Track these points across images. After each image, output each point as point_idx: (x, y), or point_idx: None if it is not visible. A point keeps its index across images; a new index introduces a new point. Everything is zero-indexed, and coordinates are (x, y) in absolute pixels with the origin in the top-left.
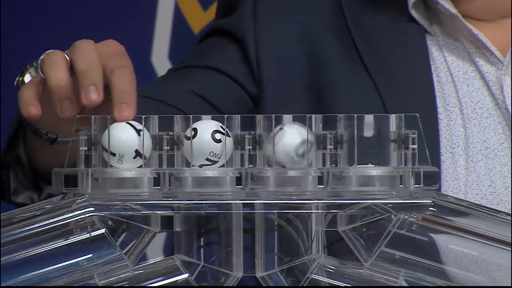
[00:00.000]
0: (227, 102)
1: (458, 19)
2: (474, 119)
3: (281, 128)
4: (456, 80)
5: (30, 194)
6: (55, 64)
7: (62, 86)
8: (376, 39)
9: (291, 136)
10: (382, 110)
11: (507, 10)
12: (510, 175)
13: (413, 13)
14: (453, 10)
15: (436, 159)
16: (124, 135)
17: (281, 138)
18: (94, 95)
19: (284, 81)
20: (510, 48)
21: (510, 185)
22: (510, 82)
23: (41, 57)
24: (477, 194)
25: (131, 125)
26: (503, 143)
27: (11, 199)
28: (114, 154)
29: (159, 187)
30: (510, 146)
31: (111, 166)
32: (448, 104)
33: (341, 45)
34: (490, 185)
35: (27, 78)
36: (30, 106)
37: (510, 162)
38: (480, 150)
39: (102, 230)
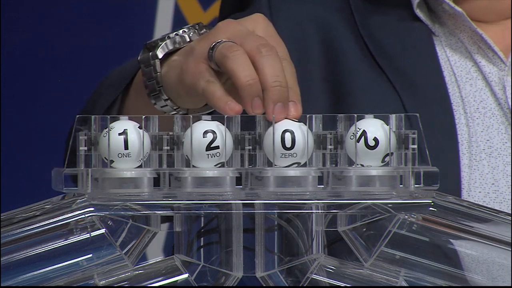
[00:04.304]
0: None
1: (462, 18)
2: (477, 118)
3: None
4: (459, 79)
5: None
6: (242, 62)
7: (253, 84)
8: (382, 38)
9: (278, 129)
10: (401, 108)
11: (509, 11)
12: None
13: (418, 12)
14: (459, 8)
15: (455, 156)
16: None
17: (270, 131)
18: (284, 113)
19: (304, 71)
20: None
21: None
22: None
23: (188, 35)
24: (480, 192)
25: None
26: (506, 142)
27: None
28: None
29: (159, 187)
30: None
31: (111, 167)
32: (452, 103)
33: (354, 41)
34: (493, 184)
35: (160, 52)
36: (230, 103)
37: None
38: (484, 149)
39: (102, 230)
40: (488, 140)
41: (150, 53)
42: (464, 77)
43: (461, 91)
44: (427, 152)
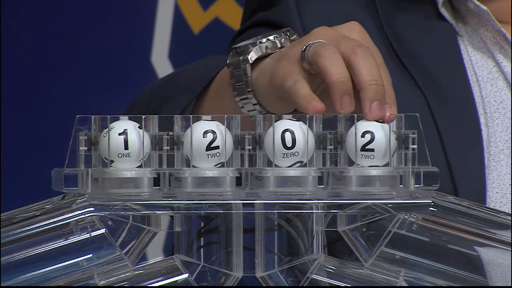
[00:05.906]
0: None
1: (486, 17)
2: (497, 118)
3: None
4: (480, 79)
5: None
6: (335, 59)
7: (344, 81)
8: (406, 37)
9: (277, 128)
10: (426, 107)
11: None
12: None
13: (443, 11)
14: (484, 6)
15: (480, 157)
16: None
17: (270, 132)
18: (381, 112)
19: None
20: None
21: None
22: None
23: (280, 41)
24: (497, 192)
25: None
26: None
27: None
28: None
29: (159, 187)
30: None
31: (110, 167)
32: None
33: (379, 39)
34: (511, 184)
35: (251, 57)
36: (314, 102)
37: None
38: (502, 150)
39: (102, 230)
40: (507, 141)
41: (241, 57)
42: (485, 77)
43: (481, 91)
44: (426, 152)
